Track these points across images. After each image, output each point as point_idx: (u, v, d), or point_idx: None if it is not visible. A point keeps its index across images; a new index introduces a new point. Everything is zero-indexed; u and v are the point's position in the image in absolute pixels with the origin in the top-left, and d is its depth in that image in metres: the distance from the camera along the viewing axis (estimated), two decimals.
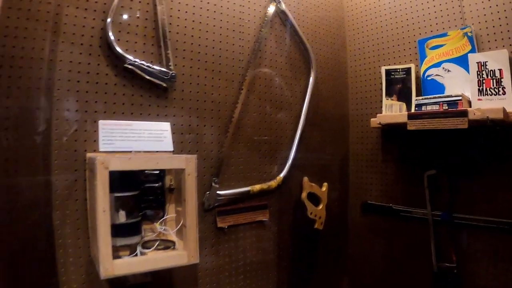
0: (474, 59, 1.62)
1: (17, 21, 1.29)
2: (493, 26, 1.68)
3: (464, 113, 1.52)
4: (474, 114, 1.49)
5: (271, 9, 1.92)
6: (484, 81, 1.59)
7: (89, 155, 1.37)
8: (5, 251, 1.27)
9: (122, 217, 1.30)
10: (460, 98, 1.59)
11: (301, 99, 2.06)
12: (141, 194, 1.42)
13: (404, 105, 1.87)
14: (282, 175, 1.94)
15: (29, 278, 1.31)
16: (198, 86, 1.68)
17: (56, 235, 1.35)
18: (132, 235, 1.32)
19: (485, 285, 1.69)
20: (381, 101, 1.96)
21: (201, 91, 1.69)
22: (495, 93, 1.57)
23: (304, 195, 1.96)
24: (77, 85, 1.39)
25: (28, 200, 1.30)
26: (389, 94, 1.92)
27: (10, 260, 1.28)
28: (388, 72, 1.93)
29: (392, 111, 1.90)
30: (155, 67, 1.52)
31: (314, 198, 2.02)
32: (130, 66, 1.45)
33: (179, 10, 1.63)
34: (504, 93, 1.55)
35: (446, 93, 1.73)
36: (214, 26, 1.74)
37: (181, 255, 1.34)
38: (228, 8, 1.79)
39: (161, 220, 1.47)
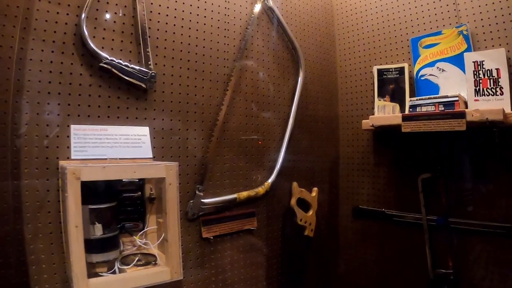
0: (470, 58, 1.58)
1: None
2: (489, 24, 1.64)
3: (462, 115, 1.47)
4: (473, 115, 1.45)
5: (258, 6, 1.84)
6: (481, 81, 1.55)
7: (61, 163, 1.26)
8: None
9: (98, 231, 1.21)
10: (457, 98, 1.54)
11: (290, 100, 1.99)
12: (119, 205, 1.33)
13: (397, 106, 1.81)
14: (270, 180, 1.87)
15: None
16: (180, 87, 1.59)
17: (28, 250, 1.24)
18: (110, 250, 1.24)
19: None
20: (373, 102, 1.90)
21: (183, 92, 1.60)
22: (492, 94, 1.53)
23: (293, 201, 1.91)
24: (49, 87, 1.28)
25: None
26: (381, 95, 1.86)
27: None
28: (380, 72, 1.88)
29: (385, 112, 1.84)
30: (133, 66, 1.42)
31: (304, 204, 1.96)
32: (106, 65, 1.35)
33: (160, 6, 1.53)
34: (501, 94, 1.51)
35: (441, 93, 1.68)
36: (197, 23, 1.65)
37: (163, 272, 1.26)
38: (212, 4, 1.70)
39: (141, 232, 1.38)
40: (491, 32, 1.62)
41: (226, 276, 1.73)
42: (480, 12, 1.65)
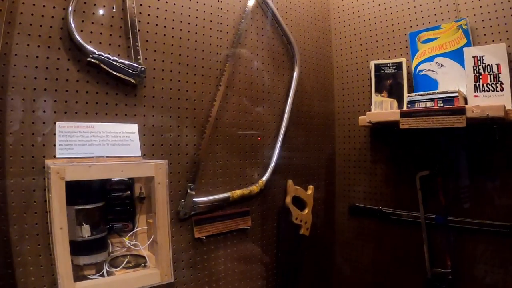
0: (469, 53, 1.56)
1: None
2: (490, 19, 1.62)
3: (461, 111, 1.46)
4: (473, 111, 1.43)
5: None
6: (480, 76, 1.54)
7: (47, 162, 1.24)
8: None
9: (85, 232, 1.20)
10: (456, 94, 1.53)
11: (285, 96, 1.97)
12: (108, 205, 1.31)
13: (395, 102, 1.80)
14: (264, 178, 1.86)
15: None
16: (171, 82, 1.57)
17: (15, 252, 1.22)
18: (98, 252, 1.22)
19: None
20: (370, 98, 1.89)
21: (174, 88, 1.58)
22: (492, 89, 1.52)
23: (288, 199, 1.89)
24: (34, 82, 1.26)
25: None
26: (378, 90, 1.85)
27: None
28: (377, 67, 1.86)
29: (382, 108, 1.83)
30: (122, 61, 1.39)
31: (299, 202, 1.95)
32: (94, 60, 1.33)
33: None
34: (502, 89, 1.51)
35: (439, 89, 1.67)
36: (189, 16, 1.62)
37: (153, 274, 1.25)
38: None
39: (130, 233, 1.36)
40: (491, 26, 1.61)
41: (219, 277, 1.72)
42: (480, 6, 1.64)
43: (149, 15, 1.50)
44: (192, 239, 1.62)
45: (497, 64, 1.51)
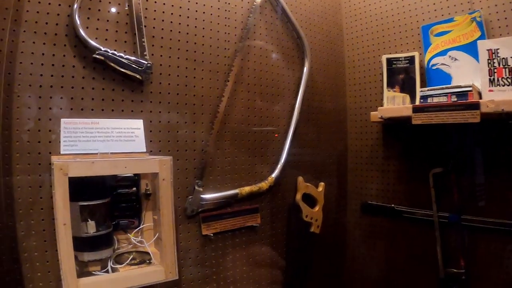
0: (484, 46, 1.54)
1: None
2: (504, 11, 1.61)
3: (475, 106, 1.45)
4: (487, 106, 1.42)
5: None
6: (495, 70, 1.51)
7: (53, 158, 1.28)
8: None
9: (91, 228, 1.23)
10: (470, 88, 1.52)
11: (295, 92, 1.98)
12: (114, 201, 1.34)
13: (407, 97, 1.80)
14: (274, 175, 1.87)
15: None
16: (178, 78, 1.59)
17: (21, 248, 1.27)
18: (103, 248, 1.25)
19: None
20: (382, 93, 1.89)
21: (181, 84, 1.60)
22: (508, 84, 1.50)
23: (298, 196, 1.90)
24: (40, 79, 1.30)
25: None
26: (390, 85, 1.85)
27: None
28: (389, 61, 1.86)
29: (395, 103, 1.83)
30: (128, 57, 1.43)
31: (309, 200, 1.96)
32: (99, 57, 1.36)
33: None
34: None
35: (453, 83, 1.66)
36: (196, 11, 1.65)
37: (157, 272, 1.27)
38: None
39: (136, 230, 1.39)
40: (506, 18, 1.60)
41: (227, 274, 1.75)
42: None
43: (155, 10, 1.53)
44: (199, 236, 1.65)
45: None
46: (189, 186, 1.62)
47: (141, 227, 1.41)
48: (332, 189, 2.14)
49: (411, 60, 1.79)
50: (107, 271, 1.23)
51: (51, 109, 1.32)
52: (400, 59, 1.82)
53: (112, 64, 1.40)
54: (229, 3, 1.75)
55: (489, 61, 1.52)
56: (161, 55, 1.55)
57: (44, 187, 1.29)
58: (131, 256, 1.31)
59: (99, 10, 1.40)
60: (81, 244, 1.20)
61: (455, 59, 1.67)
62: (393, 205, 1.98)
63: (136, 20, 1.46)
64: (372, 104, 2.06)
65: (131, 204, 1.41)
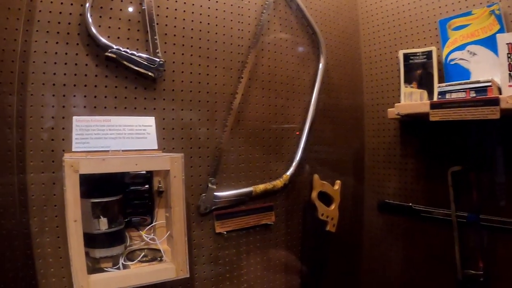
0: (503, 40, 1.52)
1: None
2: None
3: (495, 101, 1.43)
4: (507, 102, 1.40)
5: None
6: None
7: (65, 155, 1.32)
8: None
9: (103, 225, 1.26)
10: (489, 84, 1.50)
11: (310, 88, 1.99)
12: (126, 198, 1.38)
13: (425, 93, 1.79)
14: (289, 173, 1.88)
15: None
16: (191, 75, 1.62)
17: (35, 244, 1.32)
18: (114, 245, 1.28)
19: None
20: (399, 89, 1.88)
21: (194, 81, 1.63)
22: None
23: (314, 194, 1.91)
24: (53, 78, 1.34)
25: (2, 207, 1.26)
26: (408, 81, 1.84)
27: None
28: (406, 57, 1.85)
29: (412, 99, 1.82)
30: (140, 54, 1.46)
31: (325, 198, 1.96)
32: (112, 55, 1.40)
33: None
34: None
35: (472, 79, 1.64)
36: (208, 8, 1.67)
37: (168, 269, 1.29)
38: None
39: (148, 227, 1.42)
40: None
41: (241, 273, 1.77)
42: None
43: (167, 8, 1.55)
44: (213, 234, 1.67)
45: None
46: (203, 183, 1.64)
47: (153, 224, 1.44)
48: (349, 187, 2.14)
49: (428, 55, 1.78)
50: (118, 268, 1.26)
51: (64, 107, 1.36)
52: (417, 54, 1.81)
53: (125, 62, 1.43)
54: None
55: (509, 55, 1.50)
56: (173, 53, 1.57)
57: (57, 184, 1.33)
58: (143, 253, 1.34)
59: (111, 8, 1.44)
60: (93, 240, 1.23)
61: (474, 54, 1.65)
62: (411, 204, 1.96)
63: (148, 18, 1.49)
64: (389, 101, 2.04)
65: (144, 201, 1.44)
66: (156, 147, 1.46)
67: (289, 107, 1.91)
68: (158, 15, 1.52)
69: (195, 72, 1.63)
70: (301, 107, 1.96)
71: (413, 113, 1.71)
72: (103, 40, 1.39)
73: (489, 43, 1.61)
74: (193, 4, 1.62)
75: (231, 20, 1.73)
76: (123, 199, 1.36)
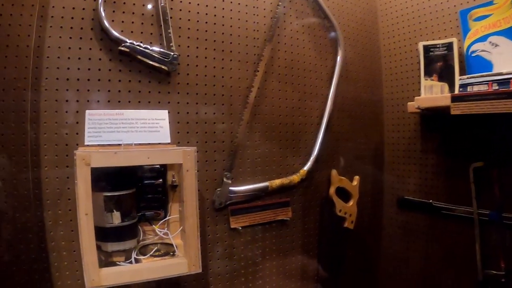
0: None
1: (1, 8, 1.29)
2: None
3: None
4: None
5: None
6: None
7: (80, 149, 1.35)
8: None
9: (116, 219, 1.28)
10: None
11: (328, 81, 1.98)
12: (140, 192, 1.40)
13: (446, 86, 1.76)
14: (306, 168, 1.88)
15: (20, 283, 1.31)
16: (206, 68, 1.63)
17: (49, 237, 1.36)
18: (126, 239, 1.31)
19: None
20: (419, 82, 1.85)
21: (209, 74, 1.64)
22: None
23: (332, 190, 1.91)
24: (67, 73, 1.38)
25: (17, 201, 1.30)
26: (428, 74, 1.82)
27: None
28: (426, 49, 1.82)
29: (433, 93, 1.80)
30: (154, 48, 1.48)
31: (343, 194, 1.96)
32: (125, 49, 1.42)
33: None
34: None
35: (494, 71, 1.61)
36: (223, 1, 1.68)
37: (180, 264, 1.30)
38: None
39: (161, 221, 1.44)
40: None
41: (256, 269, 1.78)
42: None
43: (181, 1, 1.57)
44: (228, 229, 1.69)
45: None
46: (218, 178, 1.66)
47: (166, 218, 1.46)
48: (367, 183, 2.13)
49: (449, 46, 1.75)
50: (130, 262, 1.28)
51: (78, 102, 1.39)
52: (438, 46, 1.79)
53: (138, 56, 1.45)
54: None
55: None
56: (188, 46, 1.59)
57: (71, 178, 1.35)
58: (155, 248, 1.36)
59: (124, 3, 1.46)
60: (105, 234, 1.25)
61: (496, 45, 1.62)
62: (431, 201, 1.94)
63: (161, 12, 1.50)
64: (409, 94, 2.02)
65: (157, 195, 1.46)
66: (169, 141, 1.48)
67: (306, 100, 1.91)
68: (171, 8, 1.54)
69: (210, 65, 1.64)
70: (318, 100, 1.95)
71: (434, 106, 1.68)
72: (117, 34, 1.41)
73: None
74: None
75: (246, 13, 1.73)
76: (137, 193, 1.38)
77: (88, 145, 1.34)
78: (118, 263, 1.28)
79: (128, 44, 1.42)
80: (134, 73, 1.48)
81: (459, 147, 1.84)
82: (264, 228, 1.79)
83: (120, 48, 1.42)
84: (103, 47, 1.42)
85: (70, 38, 1.37)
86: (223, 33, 1.67)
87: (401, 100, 2.09)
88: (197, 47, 1.61)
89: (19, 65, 1.31)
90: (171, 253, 1.36)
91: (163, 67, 1.50)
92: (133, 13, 1.47)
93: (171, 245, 1.39)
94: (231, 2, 1.69)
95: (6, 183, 1.29)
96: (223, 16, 1.67)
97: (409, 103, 1.80)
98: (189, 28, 1.59)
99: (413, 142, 2.05)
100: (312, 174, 1.91)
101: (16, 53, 1.30)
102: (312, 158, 1.90)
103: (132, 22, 1.47)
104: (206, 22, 1.63)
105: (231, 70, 1.69)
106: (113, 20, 1.43)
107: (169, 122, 1.51)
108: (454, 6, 1.83)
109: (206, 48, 1.63)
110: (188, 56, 1.59)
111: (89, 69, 1.40)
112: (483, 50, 1.65)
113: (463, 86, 1.60)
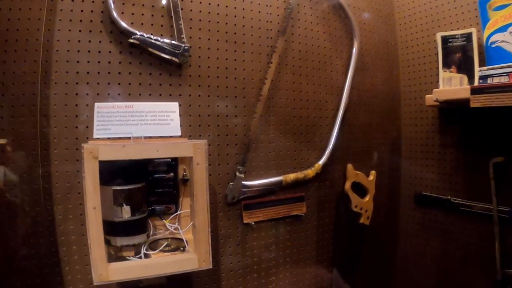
0: None
1: (11, 3, 1.30)
2: None
3: None
4: None
5: None
6: None
7: (90, 143, 1.35)
8: (3, 249, 1.30)
9: (125, 213, 1.28)
10: None
11: (343, 74, 1.96)
12: (150, 186, 1.41)
13: (465, 78, 1.73)
14: (321, 162, 1.87)
15: (30, 277, 1.33)
16: (217, 60, 1.63)
17: (59, 231, 1.38)
18: (136, 233, 1.31)
19: None
20: (438, 75, 1.82)
21: (221, 66, 1.64)
22: None
23: (347, 185, 1.90)
24: (77, 66, 1.39)
25: (27, 194, 1.32)
26: (447, 66, 1.78)
27: (8, 259, 1.31)
28: (444, 40, 1.79)
29: (451, 85, 1.77)
30: (164, 40, 1.48)
31: (359, 189, 1.95)
32: (135, 41, 1.42)
33: None
34: None
35: None
36: None
37: (190, 259, 1.30)
38: None
39: (172, 216, 1.44)
40: None
41: (270, 265, 1.78)
42: None
43: None
44: (240, 225, 1.69)
45: None
46: (230, 172, 1.66)
47: (177, 213, 1.46)
48: (384, 178, 2.11)
49: (468, 37, 1.72)
50: (140, 257, 1.29)
51: (88, 95, 1.40)
52: (456, 36, 1.75)
53: (149, 48, 1.46)
54: None
55: None
56: (199, 38, 1.58)
57: (81, 172, 1.35)
58: (166, 243, 1.37)
59: None
60: (115, 228, 1.26)
61: None
62: (449, 197, 1.91)
63: (172, 3, 1.50)
64: (428, 87, 1.98)
65: (168, 189, 1.46)
66: (179, 134, 1.48)
67: (321, 93, 1.90)
68: (182, 0, 1.53)
69: (222, 57, 1.64)
70: (334, 93, 1.93)
71: (453, 99, 1.65)
72: (126, 26, 1.42)
73: None
74: None
75: (259, 4, 1.72)
76: (147, 187, 1.39)
77: (98, 138, 1.34)
78: (127, 258, 1.28)
79: (138, 36, 1.42)
80: (145, 65, 1.48)
81: (478, 142, 1.81)
82: (277, 224, 1.79)
83: (130, 40, 1.42)
84: (113, 40, 1.43)
85: (80, 31, 1.38)
86: (235, 24, 1.66)
87: (418, 93, 2.06)
88: (209, 39, 1.60)
89: (28, 59, 1.32)
90: (182, 249, 1.36)
91: (174, 59, 1.50)
92: (143, 5, 1.47)
93: (182, 240, 1.40)
94: None
95: (16, 177, 1.31)
96: (235, 7, 1.66)
97: (427, 96, 1.78)
98: (200, 20, 1.58)
99: (431, 137, 2.02)
100: (327, 168, 1.90)
101: (26, 47, 1.32)
102: (327, 152, 1.89)
103: (142, 14, 1.47)
104: (218, 13, 1.62)
105: (244, 62, 1.68)
106: (122, 12, 1.43)
107: (181, 115, 1.51)
108: None
109: (218, 40, 1.62)
110: (199, 48, 1.58)
111: (99, 62, 1.41)
112: (503, 41, 1.62)
113: (483, 77, 1.57)
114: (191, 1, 1.56)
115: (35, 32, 1.32)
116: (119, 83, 1.44)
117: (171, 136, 1.46)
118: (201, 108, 1.59)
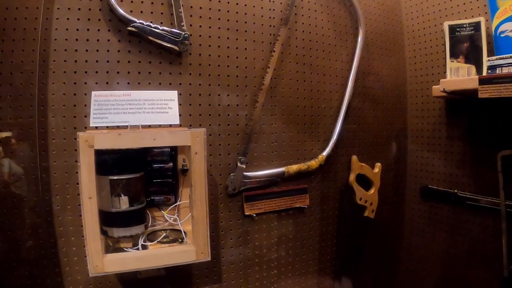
0: None
1: None
2: None
3: None
4: None
5: None
6: None
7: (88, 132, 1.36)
8: (2, 240, 1.32)
9: (123, 204, 1.29)
10: None
11: (348, 63, 1.95)
12: (149, 176, 1.41)
13: (473, 68, 1.72)
14: (325, 153, 1.87)
15: (28, 268, 1.35)
16: (219, 49, 1.63)
17: (57, 222, 1.39)
18: (134, 224, 1.32)
19: None
20: (445, 65, 1.81)
21: (223, 55, 1.63)
22: None
23: (352, 177, 1.91)
24: (75, 55, 1.39)
25: (25, 185, 1.34)
26: (454, 55, 1.77)
27: (6, 250, 1.33)
28: (452, 29, 1.77)
29: (459, 75, 1.76)
30: (164, 28, 1.48)
31: (364, 181, 1.96)
32: (134, 29, 1.42)
33: None
34: None
35: None
36: None
37: (188, 251, 1.31)
38: None
39: (171, 207, 1.45)
40: None
41: (271, 258, 1.79)
42: None
43: None
44: (241, 216, 1.70)
45: None
46: (232, 162, 1.66)
47: (176, 204, 1.47)
48: (390, 170, 2.11)
49: (476, 26, 1.70)
50: (138, 248, 1.30)
51: (86, 84, 1.41)
52: (464, 25, 1.73)
53: (148, 36, 1.46)
54: None
55: None
56: (200, 26, 1.58)
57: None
58: (164, 234, 1.37)
59: None
60: (112, 219, 1.27)
61: None
62: (456, 190, 1.91)
63: None
64: (434, 78, 1.98)
65: (167, 179, 1.47)
66: (177, 122, 1.48)
67: (326, 83, 1.89)
68: None
69: (223, 45, 1.64)
70: (338, 83, 1.93)
71: (460, 89, 1.64)
72: (125, 14, 1.42)
73: None
74: None
75: None
76: (145, 177, 1.39)
77: (96, 127, 1.35)
78: (125, 249, 1.29)
79: (137, 24, 1.42)
80: (144, 54, 1.49)
81: (486, 134, 1.80)
82: (280, 216, 1.79)
83: (129, 28, 1.42)
84: (112, 28, 1.43)
85: (78, 19, 1.39)
86: (237, 12, 1.66)
87: (425, 83, 2.05)
88: (210, 27, 1.60)
89: (26, 48, 1.33)
90: (180, 240, 1.37)
91: (174, 47, 1.50)
92: None
93: (180, 231, 1.41)
94: None
95: (21, 169, 1.33)
96: None
97: (434, 86, 1.76)
98: (201, 7, 1.58)
99: (437, 128, 2.01)
100: (331, 160, 1.90)
101: (23, 36, 1.33)
102: (331, 143, 1.88)
103: (142, 2, 1.47)
104: (219, 1, 1.62)
105: (245, 50, 1.68)
106: (122, 0, 1.43)
107: (181, 105, 1.52)
108: None
109: (219, 28, 1.62)
110: (200, 36, 1.58)
111: (97, 51, 1.42)
112: None
113: (491, 68, 1.57)
114: None
115: (33, 21, 1.33)
116: (118, 72, 1.45)
117: (170, 125, 1.47)
118: (202, 97, 1.59)
